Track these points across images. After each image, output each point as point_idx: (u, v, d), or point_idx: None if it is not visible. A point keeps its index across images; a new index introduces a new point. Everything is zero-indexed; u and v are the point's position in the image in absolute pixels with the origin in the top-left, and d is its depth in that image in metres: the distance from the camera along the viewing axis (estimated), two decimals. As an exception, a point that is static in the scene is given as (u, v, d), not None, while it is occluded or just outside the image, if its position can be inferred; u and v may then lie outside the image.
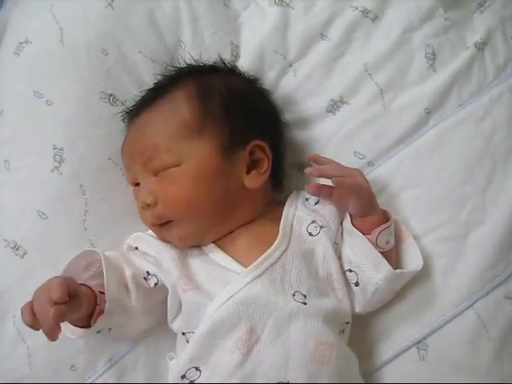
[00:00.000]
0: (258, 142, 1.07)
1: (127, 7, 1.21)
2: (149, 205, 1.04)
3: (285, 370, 0.93)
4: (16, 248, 1.13)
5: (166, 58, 1.21)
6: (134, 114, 1.13)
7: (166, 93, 1.09)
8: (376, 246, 1.04)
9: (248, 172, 1.07)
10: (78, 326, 1.00)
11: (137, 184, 1.09)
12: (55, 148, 1.15)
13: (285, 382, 0.93)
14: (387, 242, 1.05)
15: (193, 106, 1.06)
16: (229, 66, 1.17)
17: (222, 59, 1.18)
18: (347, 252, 1.07)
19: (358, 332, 1.10)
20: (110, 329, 1.04)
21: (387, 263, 1.02)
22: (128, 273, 1.04)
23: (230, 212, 1.06)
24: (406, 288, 1.09)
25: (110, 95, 1.18)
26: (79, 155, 1.15)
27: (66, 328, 1.00)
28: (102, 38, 1.19)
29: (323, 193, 1.10)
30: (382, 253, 1.03)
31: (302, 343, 0.95)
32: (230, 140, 1.05)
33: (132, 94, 1.18)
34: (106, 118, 1.17)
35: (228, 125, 1.06)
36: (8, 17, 1.26)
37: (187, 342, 1.00)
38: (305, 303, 0.98)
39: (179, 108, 1.06)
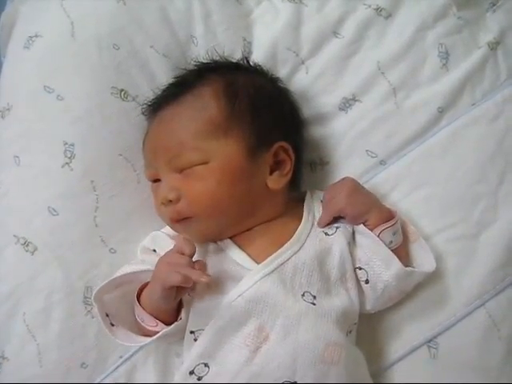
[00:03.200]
0: (282, 144, 1.07)
1: (139, 2, 1.20)
2: (171, 201, 1.03)
3: (293, 369, 0.93)
4: (26, 245, 1.12)
5: (178, 54, 1.20)
6: (156, 107, 1.11)
7: (191, 88, 1.07)
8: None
9: (271, 173, 1.07)
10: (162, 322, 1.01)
11: (156, 180, 1.08)
12: (66, 144, 1.13)
13: (292, 381, 0.93)
14: (390, 242, 1.05)
15: (220, 103, 1.04)
16: (253, 64, 1.17)
17: (245, 57, 1.17)
18: (357, 251, 1.07)
19: (368, 330, 1.10)
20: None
21: (398, 261, 1.02)
22: None
23: (250, 211, 1.06)
24: (417, 287, 1.09)
25: (121, 90, 1.16)
26: (90, 151, 1.14)
27: (120, 335, 1.03)
28: (114, 33, 1.18)
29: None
30: None
31: (312, 343, 0.95)
32: (256, 140, 1.05)
33: (143, 89, 1.17)
34: (117, 113, 1.16)
35: (255, 125, 1.05)
36: (17, 10, 1.24)
37: (194, 340, 1.00)
38: (314, 304, 0.98)
39: (206, 105, 1.05)
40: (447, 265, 1.11)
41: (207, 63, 1.15)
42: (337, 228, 1.06)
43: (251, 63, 1.17)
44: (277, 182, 1.07)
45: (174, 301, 0.99)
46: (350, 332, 1.03)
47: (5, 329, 1.11)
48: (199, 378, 0.96)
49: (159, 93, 1.14)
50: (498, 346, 1.08)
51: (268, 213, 1.08)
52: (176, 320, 1.02)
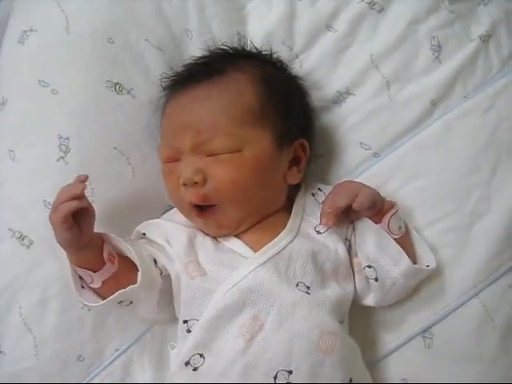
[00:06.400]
0: (303, 141, 1.10)
1: (133, -5, 1.20)
2: (196, 183, 1.01)
3: (288, 358, 0.94)
4: (22, 238, 1.12)
5: (173, 47, 1.21)
6: (183, 83, 1.08)
7: (225, 72, 1.06)
8: (390, 232, 1.05)
9: (289, 168, 1.08)
10: (89, 269, 1.01)
11: (174, 160, 1.06)
12: (61, 137, 1.13)
13: (288, 370, 0.93)
14: (399, 228, 1.06)
15: (258, 92, 1.05)
16: (275, 59, 1.18)
17: (271, 50, 1.18)
18: (364, 248, 1.07)
19: (364, 321, 1.11)
20: (132, 302, 1.04)
21: (407, 258, 1.03)
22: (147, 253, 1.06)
23: (268, 203, 1.07)
24: (412, 277, 1.11)
25: (116, 84, 1.16)
26: (85, 145, 1.14)
27: (86, 297, 1.04)
28: (108, 26, 1.18)
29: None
30: (396, 240, 1.05)
31: (307, 332, 0.96)
32: (283, 134, 1.06)
33: (138, 82, 1.17)
34: (111, 106, 1.16)
35: (285, 119, 1.07)
36: (11, 4, 1.24)
37: (187, 331, 1.00)
38: (308, 293, 0.99)
39: (244, 92, 1.05)
40: (441, 255, 1.11)
41: (237, 49, 1.16)
42: (328, 228, 1.07)
43: (274, 58, 1.18)
44: (294, 176, 1.09)
45: (79, 232, 0.98)
46: (342, 322, 1.03)
47: (1, 322, 1.11)
48: (195, 369, 0.97)
49: (183, 69, 1.13)
50: (492, 336, 1.09)
51: (275, 206, 1.09)
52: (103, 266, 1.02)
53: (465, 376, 1.08)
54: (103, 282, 1.02)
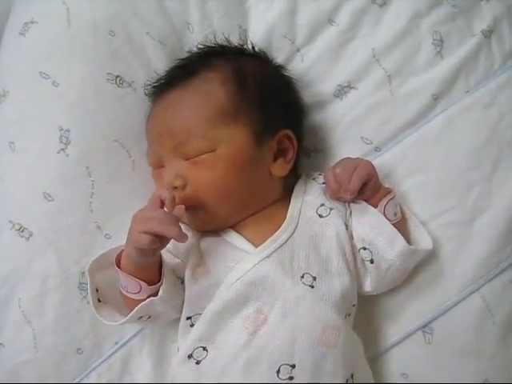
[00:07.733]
0: (286, 132, 1.08)
1: (135, -12, 1.20)
2: (176, 187, 1.02)
3: (291, 352, 0.94)
4: (21, 230, 1.12)
5: (174, 40, 1.21)
6: (161, 89, 1.10)
7: (198, 72, 1.07)
8: (385, 217, 1.04)
9: (274, 160, 1.08)
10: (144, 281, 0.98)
11: (159, 166, 1.07)
12: (61, 129, 1.13)
13: (290, 364, 0.93)
14: (395, 214, 1.06)
15: (229, 90, 1.05)
16: (258, 50, 1.17)
17: (252, 43, 1.18)
18: (359, 230, 1.06)
19: (364, 316, 1.11)
20: (149, 317, 1.03)
21: (402, 239, 1.03)
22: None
23: (254, 198, 1.06)
24: (413, 272, 1.10)
25: (117, 77, 1.16)
26: (85, 137, 1.14)
27: (104, 313, 1.04)
28: (110, 19, 1.18)
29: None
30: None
31: (310, 326, 0.95)
32: (262, 127, 1.05)
33: (139, 75, 1.17)
34: (112, 99, 1.16)
35: (262, 112, 1.06)
36: (13, -4, 1.25)
37: (191, 326, 1.00)
38: (312, 286, 0.98)
39: (215, 91, 1.05)
40: (442, 250, 1.11)
41: (213, 47, 1.15)
42: (331, 209, 1.07)
43: (256, 49, 1.17)
44: (280, 168, 1.08)
45: (152, 257, 0.97)
46: (349, 315, 1.03)
47: (0, 314, 1.11)
48: (198, 362, 0.97)
49: (164, 74, 1.14)
50: (493, 331, 1.09)
51: (269, 199, 1.08)
52: (159, 281, 1.00)
53: (464, 372, 1.08)
54: (148, 296, 0.99)
